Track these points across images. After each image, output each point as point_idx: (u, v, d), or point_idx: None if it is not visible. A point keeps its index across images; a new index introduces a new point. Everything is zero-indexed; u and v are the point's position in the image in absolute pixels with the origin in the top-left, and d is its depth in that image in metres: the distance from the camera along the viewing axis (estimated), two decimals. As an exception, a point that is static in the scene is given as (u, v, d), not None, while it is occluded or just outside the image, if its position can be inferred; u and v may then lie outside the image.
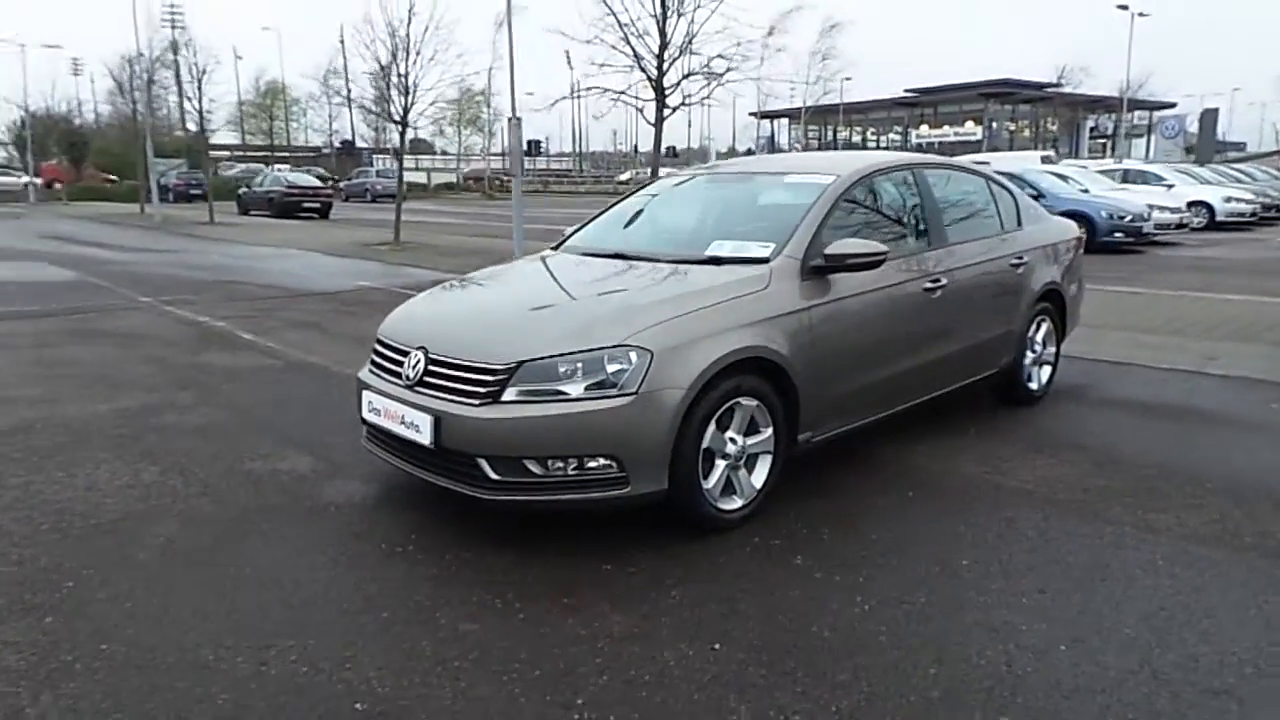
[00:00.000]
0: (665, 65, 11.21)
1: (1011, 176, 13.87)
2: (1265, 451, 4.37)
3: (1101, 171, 19.42)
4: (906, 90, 65.08)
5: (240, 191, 30.71)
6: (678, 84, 11.25)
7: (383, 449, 3.55)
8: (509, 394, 3.06)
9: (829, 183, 4.04)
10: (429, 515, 3.49)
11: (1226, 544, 3.28)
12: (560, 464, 3.06)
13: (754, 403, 3.39)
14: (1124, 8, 42.10)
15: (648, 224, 4.56)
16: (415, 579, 2.97)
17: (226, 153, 58.82)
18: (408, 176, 26.43)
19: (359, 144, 57.51)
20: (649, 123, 11.93)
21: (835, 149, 49.45)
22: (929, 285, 4.18)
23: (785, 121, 67.23)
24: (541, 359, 3.08)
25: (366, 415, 3.56)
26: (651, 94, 11.53)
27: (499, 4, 12.31)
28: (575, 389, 3.05)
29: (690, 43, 10.80)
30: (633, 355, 3.08)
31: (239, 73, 56.03)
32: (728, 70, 11.40)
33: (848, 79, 49.33)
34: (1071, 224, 5.82)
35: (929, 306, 4.20)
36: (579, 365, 3.07)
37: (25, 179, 39.72)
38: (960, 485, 3.87)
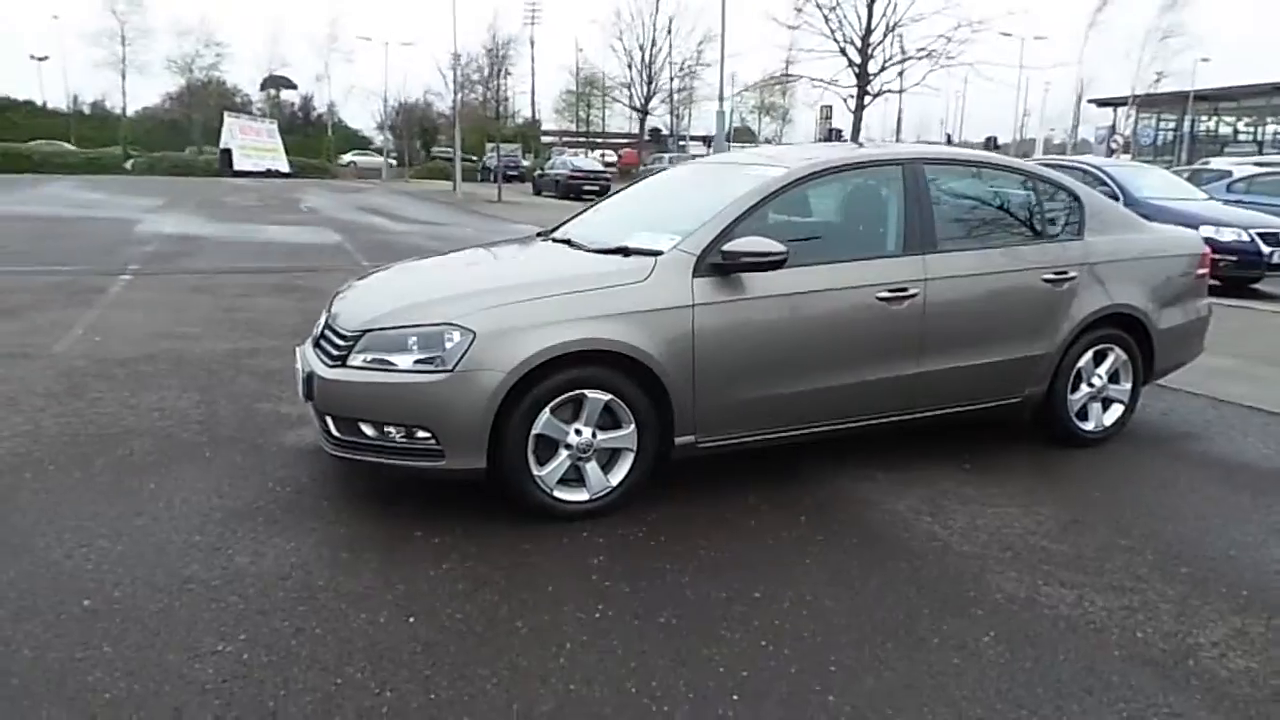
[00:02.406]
0: (870, 50, 10.60)
1: (1082, 173, 11.08)
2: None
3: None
4: (1299, 72, 54.26)
5: (536, 174, 33.77)
6: (879, 72, 10.60)
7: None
8: (354, 359, 3.31)
9: (770, 177, 3.77)
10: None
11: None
12: (392, 430, 3.26)
13: (606, 396, 3.33)
14: None
15: (617, 210, 4.54)
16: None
17: (555, 138, 64.62)
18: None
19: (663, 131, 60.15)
20: (849, 110, 11.37)
21: (1183, 140, 42.57)
22: (887, 295, 3.75)
23: (1132, 110, 59.19)
24: (380, 329, 3.30)
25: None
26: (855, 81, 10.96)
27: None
28: (405, 361, 3.23)
29: (894, 28, 10.10)
30: (455, 334, 3.19)
31: (579, 64, 61.06)
32: (930, 55, 10.47)
33: (1204, 60, 42.55)
34: (1190, 238, 4.80)
35: (887, 318, 3.77)
36: (414, 339, 3.24)
37: (379, 160, 46.89)
38: (879, 530, 3.43)
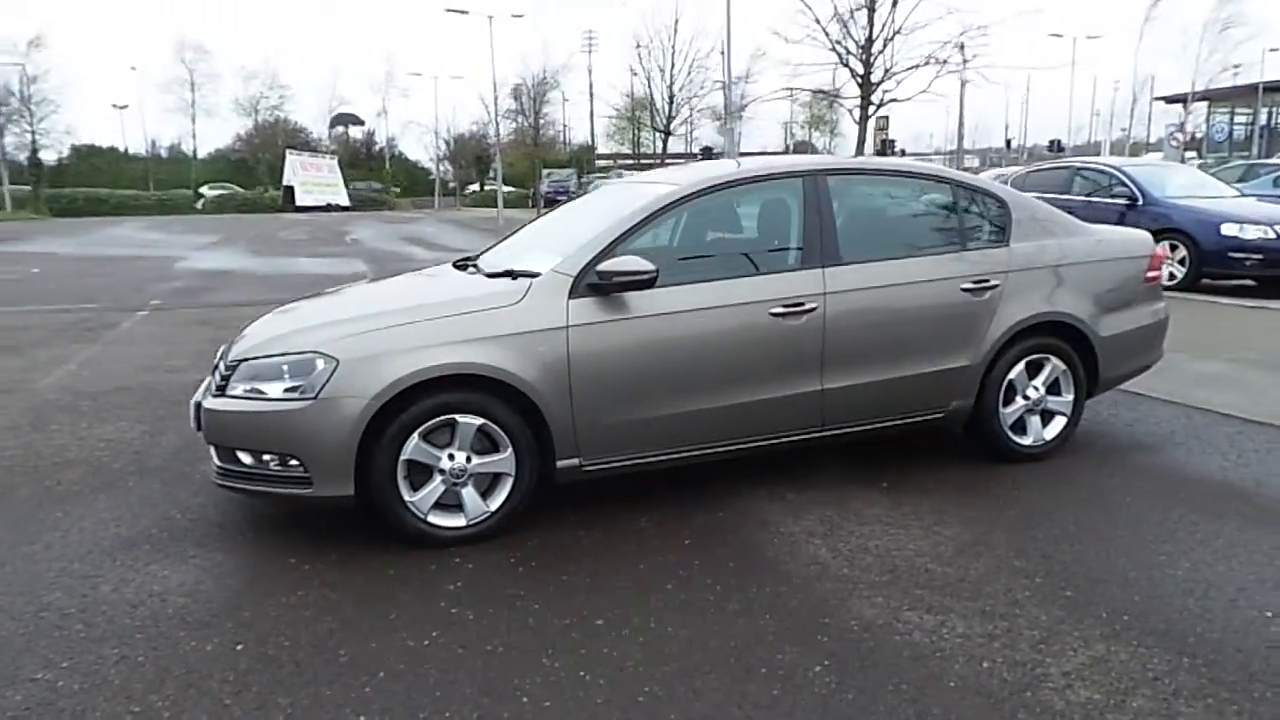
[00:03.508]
0: (872, 60, 10.43)
1: (1098, 173, 10.92)
2: None
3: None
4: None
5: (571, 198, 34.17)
6: (879, 82, 10.41)
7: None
8: (233, 389, 3.36)
9: (657, 195, 3.73)
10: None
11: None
12: (268, 458, 3.30)
13: (478, 421, 3.31)
14: None
15: (533, 234, 4.53)
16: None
17: (610, 161, 65.33)
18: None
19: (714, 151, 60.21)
20: (854, 121, 11.19)
21: (1261, 134, 40.33)
22: (781, 310, 3.64)
23: (1203, 105, 56.59)
24: (254, 359, 3.36)
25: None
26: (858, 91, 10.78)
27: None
28: (276, 390, 3.27)
29: (893, 37, 9.93)
30: (319, 363, 3.22)
31: (633, 87, 61.69)
32: (934, 62, 10.24)
33: (1273, 49, 40.64)
34: (1137, 239, 4.55)
35: (783, 334, 3.66)
36: (285, 368, 3.28)
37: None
38: (762, 552, 3.32)
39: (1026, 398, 4.18)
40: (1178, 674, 2.44)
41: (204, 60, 53.66)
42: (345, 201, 46.02)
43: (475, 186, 58.14)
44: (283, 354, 3.31)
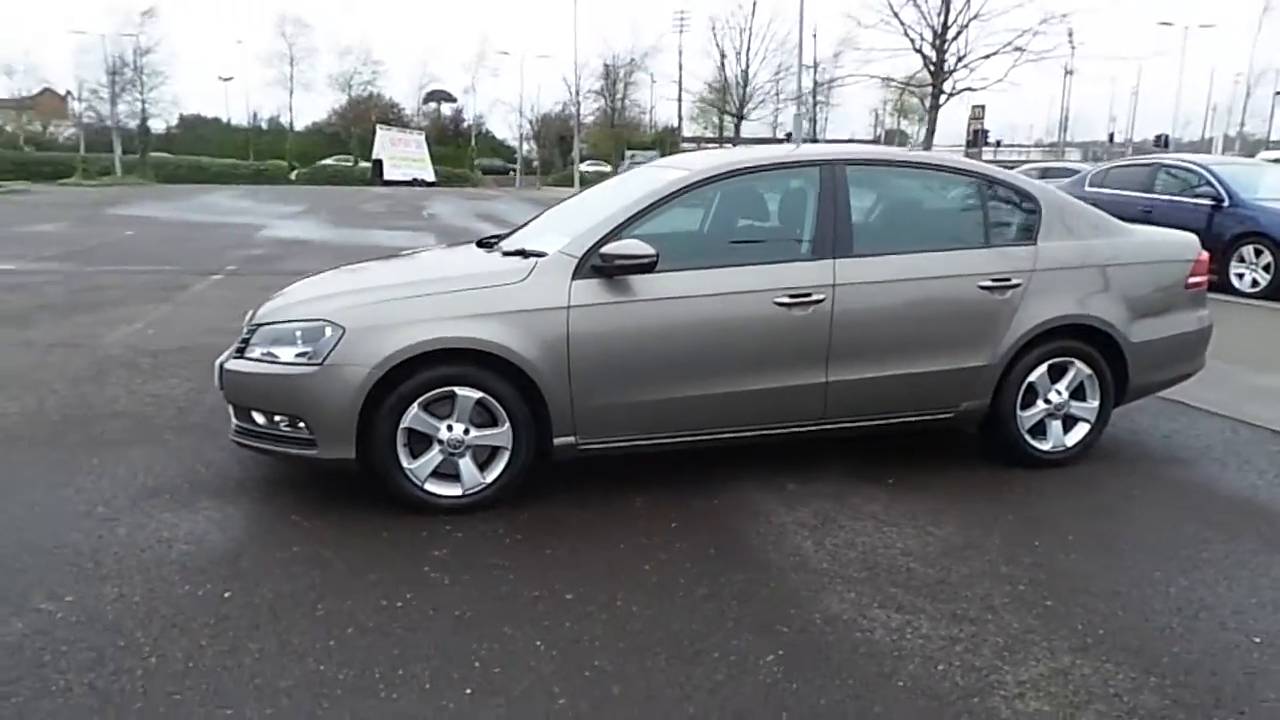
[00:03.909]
0: (945, 47, 10.11)
1: (1184, 171, 10.26)
2: None
3: None
4: None
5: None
6: (953, 70, 10.07)
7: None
8: (251, 351, 3.54)
9: (667, 180, 3.74)
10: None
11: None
12: (279, 419, 3.46)
13: (477, 394, 3.41)
14: None
15: (559, 214, 4.57)
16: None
17: (695, 143, 65.07)
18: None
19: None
20: (925, 109, 10.84)
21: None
22: (786, 300, 3.62)
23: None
24: (270, 324, 3.53)
25: None
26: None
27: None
28: (288, 354, 3.42)
29: (968, 25, 9.59)
30: (328, 330, 3.36)
31: (723, 68, 61.22)
32: (1014, 49, 9.83)
33: None
34: (1180, 242, 4.34)
35: (787, 324, 3.64)
36: (298, 334, 3.44)
37: (513, 168, 48.86)
38: (747, 541, 3.33)
39: (1048, 402, 4.05)
40: (1140, 692, 2.37)
41: (303, 35, 55.62)
42: (431, 177, 47.02)
43: (586, 165, 58.47)
44: (297, 320, 3.47)
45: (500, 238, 4.50)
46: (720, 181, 3.81)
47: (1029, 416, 4.04)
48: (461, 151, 56.97)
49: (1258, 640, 2.64)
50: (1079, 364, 4.05)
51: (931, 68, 10.02)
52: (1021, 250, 3.97)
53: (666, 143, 61.97)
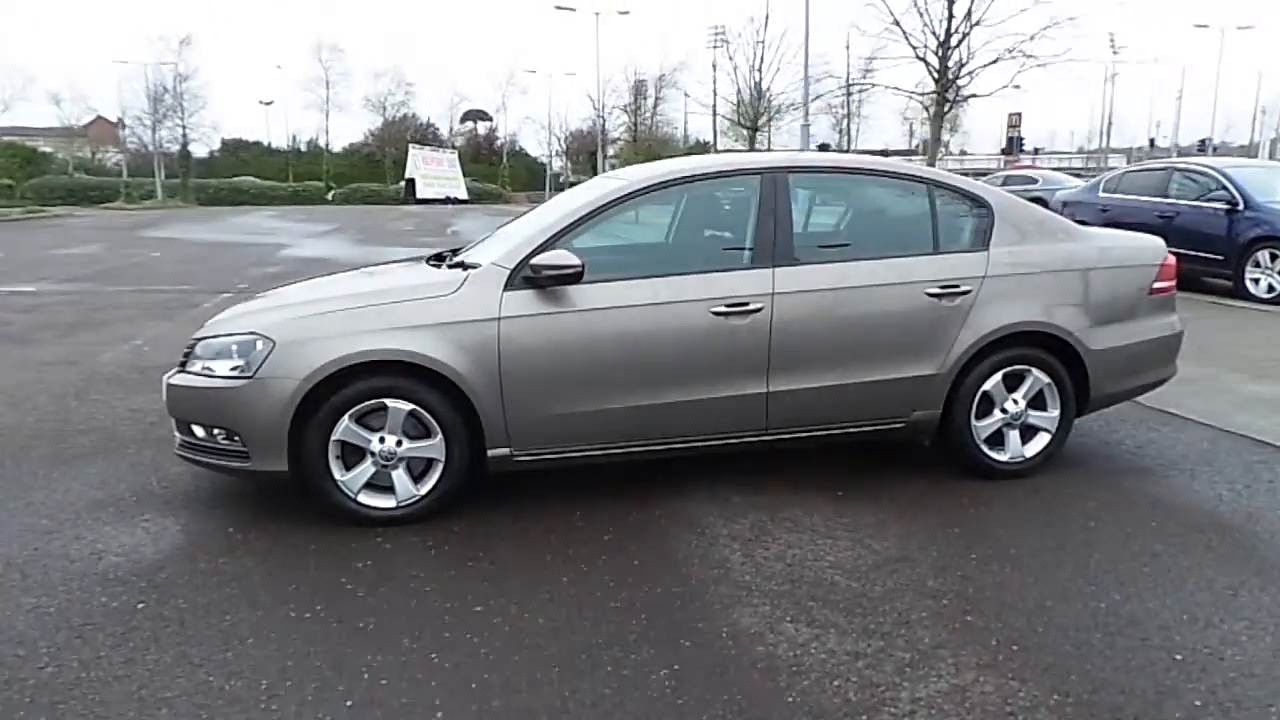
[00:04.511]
0: (949, 54, 9.98)
1: (1198, 175, 10.07)
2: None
3: None
4: None
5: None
6: (955, 77, 9.94)
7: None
8: (191, 365, 3.59)
9: (604, 191, 3.73)
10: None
11: None
12: (216, 432, 3.50)
13: (407, 406, 3.42)
14: None
15: (511, 228, 4.57)
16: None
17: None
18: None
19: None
20: (927, 117, 10.70)
21: None
22: (723, 309, 3.58)
23: None
24: (207, 338, 3.57)
25: None
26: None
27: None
28: (223, 368, 3.46)
29: (970, 32, 9.45)
30: (259, 344, 3.39)
31: (756, 82, 61.26)
32: (1017, 55, 9.67)
33: None
34: (1144, 247, 4.21)
35: (725, 334, 3.60)
36: (234, 347, 3.48)
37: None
38: (675, 554, 3.29)
39: (1005, 411, 3.95)
40: (1038, 711, 2.28)
41: (338, 59, 56.81)
42: (463, 194, 47.62)
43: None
44: (232, 334, 3.51)
45: (455, 252, 4.52)
46: (659, 191, 3.79)
47: (985, 426, 3.94)
48: (495, 169, 57.73)
49: (1179, 657, 2.53)
50: (1036, 372, 3.94)
51: (935, 75, 9.90)
52: (972, 257, 3.89)
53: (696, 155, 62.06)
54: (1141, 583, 2.99)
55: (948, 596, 2.91)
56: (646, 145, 53.11)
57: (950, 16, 9.68)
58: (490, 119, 64.91)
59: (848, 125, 51.85)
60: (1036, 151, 65.23)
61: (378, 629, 2.71)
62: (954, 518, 3.60)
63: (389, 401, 3.41)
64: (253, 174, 50.08)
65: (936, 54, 9.85)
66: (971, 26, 9.56)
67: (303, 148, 64.48)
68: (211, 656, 2.54)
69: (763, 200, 3.76)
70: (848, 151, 56.14)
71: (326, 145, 60.44)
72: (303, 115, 66.06)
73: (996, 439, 3.98)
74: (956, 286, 3.81)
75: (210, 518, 3.59)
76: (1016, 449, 3.99)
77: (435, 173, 47.73)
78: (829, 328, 3.72)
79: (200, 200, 43.00)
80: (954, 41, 9.67)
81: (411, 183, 46.60)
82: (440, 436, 3.47)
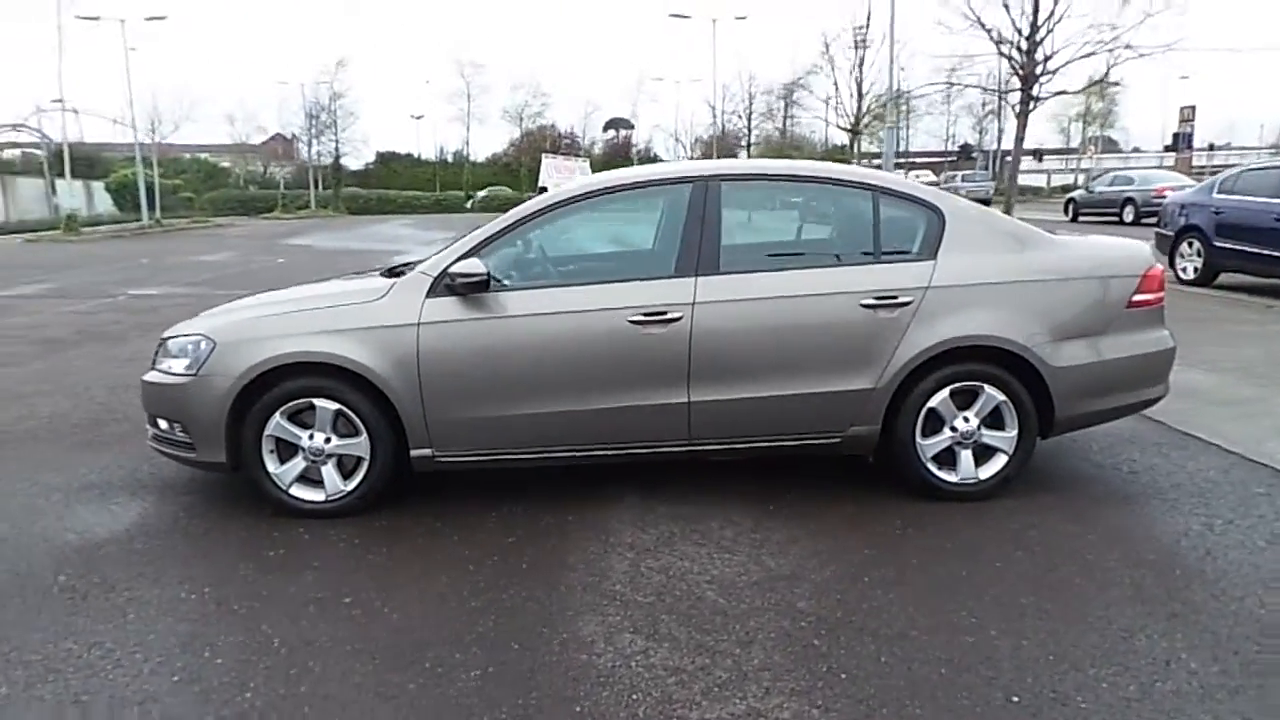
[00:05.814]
0: (1035, 48, 9.38)
1: None
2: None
3: None
4: None
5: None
6: (1039, 73, 9.31)
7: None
8: (158, 363, 3.93)
9: (535, 200, 3.80)
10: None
11: None
12: (174, 425, 3.82)
13: (333, 406, 3.61)
14: None
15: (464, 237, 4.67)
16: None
17: (865, 161, 63.53)
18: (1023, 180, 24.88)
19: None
20: (1015, 114, 10.08)
21: None
22: (640, 318, 3.57)
23: None
24: (167, 338, 3.89)
25: None
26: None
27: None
28: (178, 366, 3.77)
29: (1054, 27, 8.84)
30: (203, 344, 3.68)
31: (898, 82, 59.48)
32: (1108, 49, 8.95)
33: None
34: (1119, 255, 3.87)
35: (642, 343, 3.58)
36: (188, 347, 3.78)
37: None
38: (571, 561, 3.32)
39: (954, 429, 3.72)
40: (821, 742, 2.17)
41: (479, 74, 59.31)
42: (594, 201, 48.70)
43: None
44: (187, 335, 3.82)
45: (417, 263, 4.72)
46: (586, 200, 3.81)
47: (931, 445, 3.73)
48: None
49: (1015, 700, 2.33)
50: (990, 389, 3.70)
51: (1021, 71, 9.29)
52: (915, 266, 3.69)
53: (840, 160, 60.85)
54: (1030, 619, 2.77)
55: (809, 619, 2.80)
56: (781, 149, 52.49)
57: (1036, 9, 9.10)
58: (632, 126, 66.16)
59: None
60: (1212, 147, 59.77)
61: (247, 613, 2.90)
62: (876, 539, 3.43)
63: (317, 401, 3.62)
64: (402, 184, 53.11)
65: (1018, 48, 9.27)
66: (1055, 23, 8.95)
67: (449, 159, 67.88)
68: (91, 627, 2.80)
69: (690, 209, 3.72)
70: (992, 152, 53.49)
71: (467, 156, 63.29)
72: (448, 128, 69.73)
73: (947, 458, 3.77)
74: (894, 297, 3.63)
75: (172, 503, 3.91)
76: (969, 470, 3.75)
77: (566, 181, 49.06)
78: (753, 338, 3.63)
79: (351, 209, 45.99)
80: (1040, 36, 9.06)
81: (544, 190, 48.02)
82: (365, 436, 3.64)
